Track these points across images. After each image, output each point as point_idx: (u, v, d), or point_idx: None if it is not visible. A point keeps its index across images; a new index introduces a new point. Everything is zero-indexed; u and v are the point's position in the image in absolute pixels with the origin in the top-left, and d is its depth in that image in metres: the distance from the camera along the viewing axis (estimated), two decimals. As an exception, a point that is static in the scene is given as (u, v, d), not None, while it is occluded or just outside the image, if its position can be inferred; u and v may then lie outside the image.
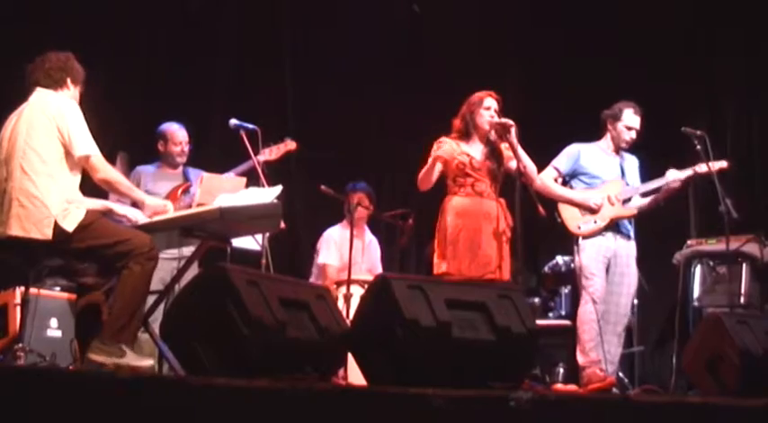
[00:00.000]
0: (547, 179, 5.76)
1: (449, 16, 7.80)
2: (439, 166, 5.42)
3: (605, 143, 5.90)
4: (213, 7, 7.52)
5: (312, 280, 6.70)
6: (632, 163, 5.93)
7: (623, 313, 5.70)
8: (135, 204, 4.57)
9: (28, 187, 4.19)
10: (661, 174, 5.78)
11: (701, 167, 5.68)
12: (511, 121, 5.32)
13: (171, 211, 4.50)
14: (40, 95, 4.39)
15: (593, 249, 5.68)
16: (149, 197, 4.61)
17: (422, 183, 5.42)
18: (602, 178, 5.80)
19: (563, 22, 7.77)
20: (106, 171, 4.34)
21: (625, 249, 5.75)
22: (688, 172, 5.70)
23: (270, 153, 6.02)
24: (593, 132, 6.01)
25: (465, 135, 5.51)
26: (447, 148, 5.43)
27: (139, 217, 4.43)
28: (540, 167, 5.68)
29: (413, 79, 7.77)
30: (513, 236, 5.36)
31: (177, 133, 6.17)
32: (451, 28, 7.82)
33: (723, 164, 5.71)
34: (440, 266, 5.36)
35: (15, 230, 4.16)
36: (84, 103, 4.49)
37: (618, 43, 7.62)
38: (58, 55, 4.49)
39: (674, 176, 5.69)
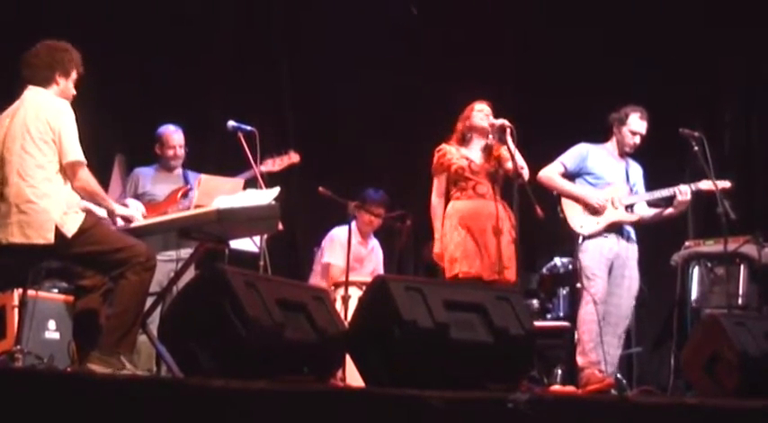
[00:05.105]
0: (552, 173, 5.78)
1: (446, 15, 7.80)
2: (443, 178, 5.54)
3: (612, 146, 5.91)
4: (210, 7, 7.51)
5: (313, 278, 6.70)
6: (637, 170, 5.93)
7: (624, 315, 5.70)
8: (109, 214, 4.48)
9: (27, 193, 4.15)
10: (659, 174, 5.77)
11: (705, 185, 5.62)
12: (508, 123, 5.34)
13: (140, 221, 4.47)
14: (32, 94, 4.32)
15: (596, 250, 5.68)
16: (119, 207, 4.51)
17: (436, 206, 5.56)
18: (605, 179, 5.79)
19: (561, 22, 7.77)
20: (88, 181, 4.27)
21: (627, 251, 5.75)
22: (692, 188, 5.63)
23: (273, 164, 6.06)
24: (591, 132, 6.02)
25: (463, 141, 5.59)
26: (446, 157, 5.51)
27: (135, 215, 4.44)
28: (540, 168, 5.69)
29: (411, 79, 7.76)
30: (517, 237, 5.36)
31: (172, 136, 6.14)
32: (450, 27, 7.82)
33: (726, 184, 5.64)
34: (452, 269, 5.35)
35: (17, 237, 4.13)
36: (80, 104, 4.42)
37: (616, 43, 7.61)
38: (47, 46, 4.38)
39: (685, 190, 5.62)
